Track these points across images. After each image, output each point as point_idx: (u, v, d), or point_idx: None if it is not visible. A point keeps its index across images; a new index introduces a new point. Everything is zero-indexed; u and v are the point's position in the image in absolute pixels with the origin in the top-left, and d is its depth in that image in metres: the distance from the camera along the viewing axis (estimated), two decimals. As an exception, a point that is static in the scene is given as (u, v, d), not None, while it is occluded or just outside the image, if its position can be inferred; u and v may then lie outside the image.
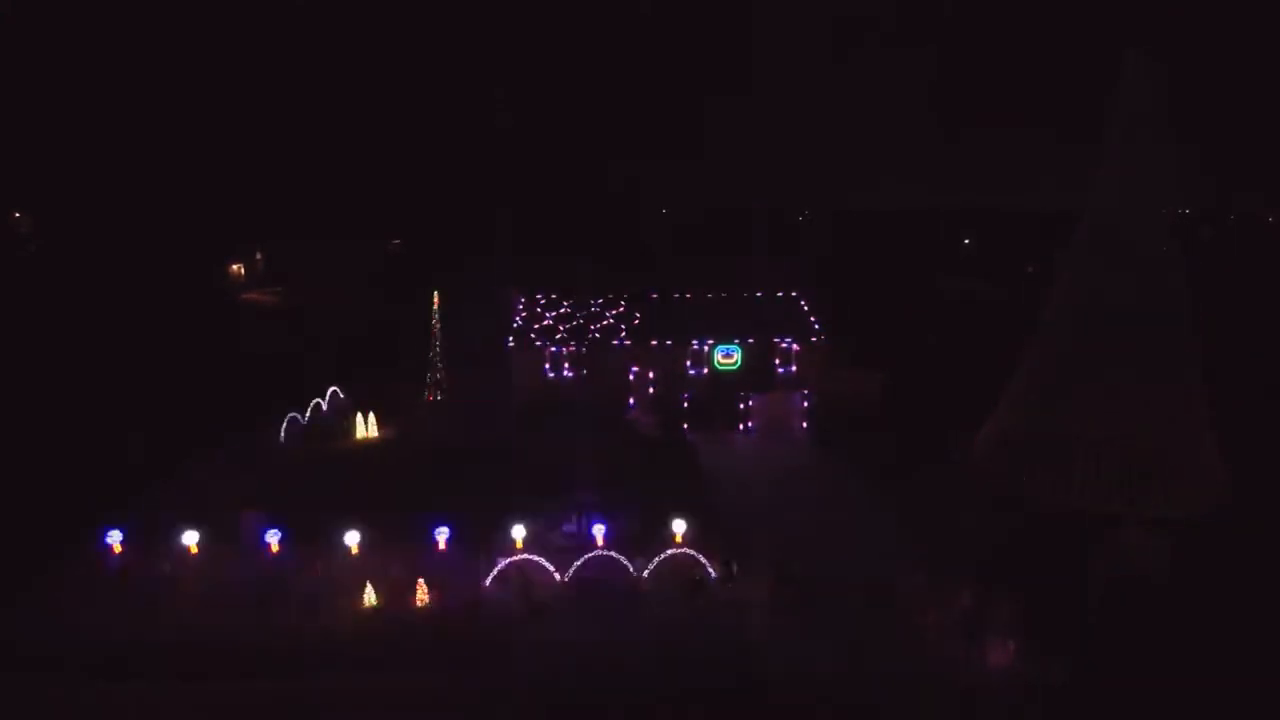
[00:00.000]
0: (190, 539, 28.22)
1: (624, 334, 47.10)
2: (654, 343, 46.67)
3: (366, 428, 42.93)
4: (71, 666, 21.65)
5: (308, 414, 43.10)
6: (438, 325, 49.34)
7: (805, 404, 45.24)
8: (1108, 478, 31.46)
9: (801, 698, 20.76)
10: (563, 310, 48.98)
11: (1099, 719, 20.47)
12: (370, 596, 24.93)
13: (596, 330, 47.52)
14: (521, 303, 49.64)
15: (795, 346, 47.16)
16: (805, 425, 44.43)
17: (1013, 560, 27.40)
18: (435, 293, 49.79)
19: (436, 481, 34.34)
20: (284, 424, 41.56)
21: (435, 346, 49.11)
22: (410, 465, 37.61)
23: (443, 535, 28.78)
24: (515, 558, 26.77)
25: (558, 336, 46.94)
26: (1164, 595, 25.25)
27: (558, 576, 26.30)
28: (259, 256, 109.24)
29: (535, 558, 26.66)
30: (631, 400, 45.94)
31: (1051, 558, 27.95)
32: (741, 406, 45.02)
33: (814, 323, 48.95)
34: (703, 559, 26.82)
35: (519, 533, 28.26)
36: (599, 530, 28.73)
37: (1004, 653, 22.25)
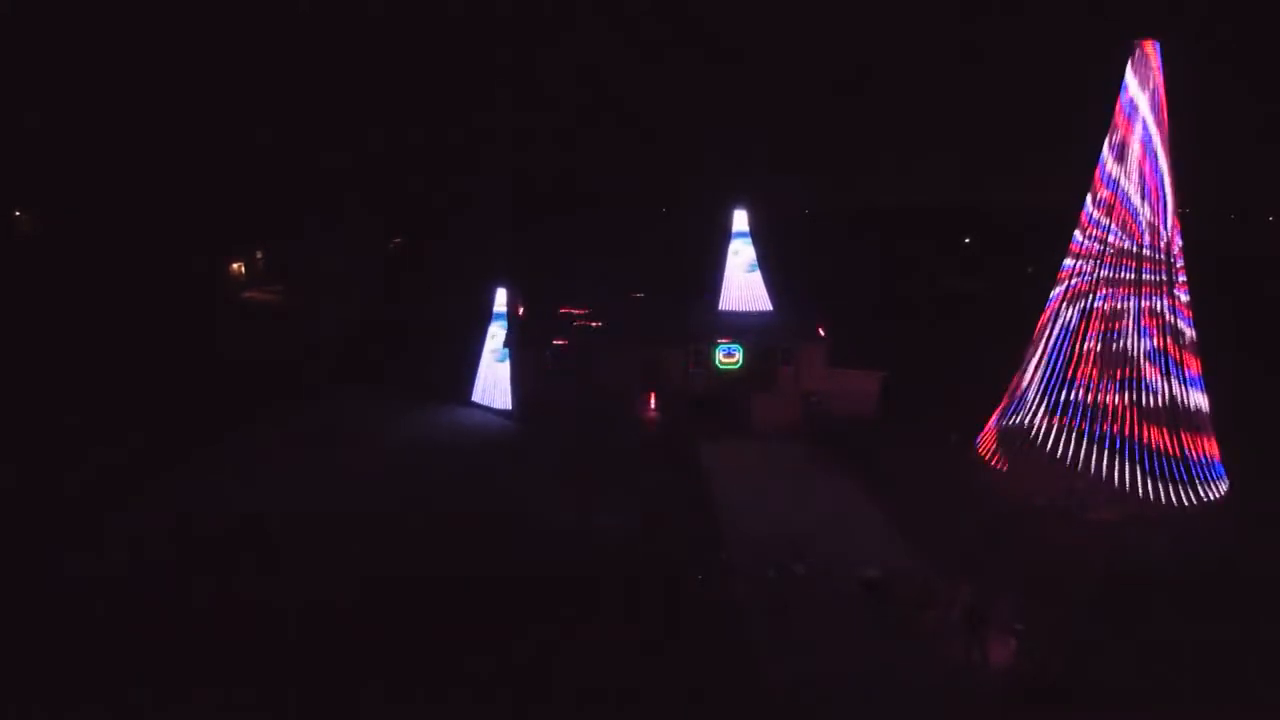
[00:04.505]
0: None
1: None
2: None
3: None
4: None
5: None
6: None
7: (804, 404, 45.25)
8: (1107, 474, 31.62)
9: (800, 697, 20.78)
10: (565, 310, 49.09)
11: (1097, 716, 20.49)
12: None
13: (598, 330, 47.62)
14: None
15: (796, 346, 47.22)
16: (805, 425, 44.38)
17: (1011, 558, 27.45)
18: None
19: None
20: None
21: None
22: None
23: None
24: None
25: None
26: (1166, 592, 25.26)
27: None
28: (259, 255, 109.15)
29: None
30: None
31: (1049, 555, 28.00)
32: (743, 406, 44.98)
33: (814, 323, 49.01)
34: None
35: None
36: None
37: (1003, 650, 22.26)
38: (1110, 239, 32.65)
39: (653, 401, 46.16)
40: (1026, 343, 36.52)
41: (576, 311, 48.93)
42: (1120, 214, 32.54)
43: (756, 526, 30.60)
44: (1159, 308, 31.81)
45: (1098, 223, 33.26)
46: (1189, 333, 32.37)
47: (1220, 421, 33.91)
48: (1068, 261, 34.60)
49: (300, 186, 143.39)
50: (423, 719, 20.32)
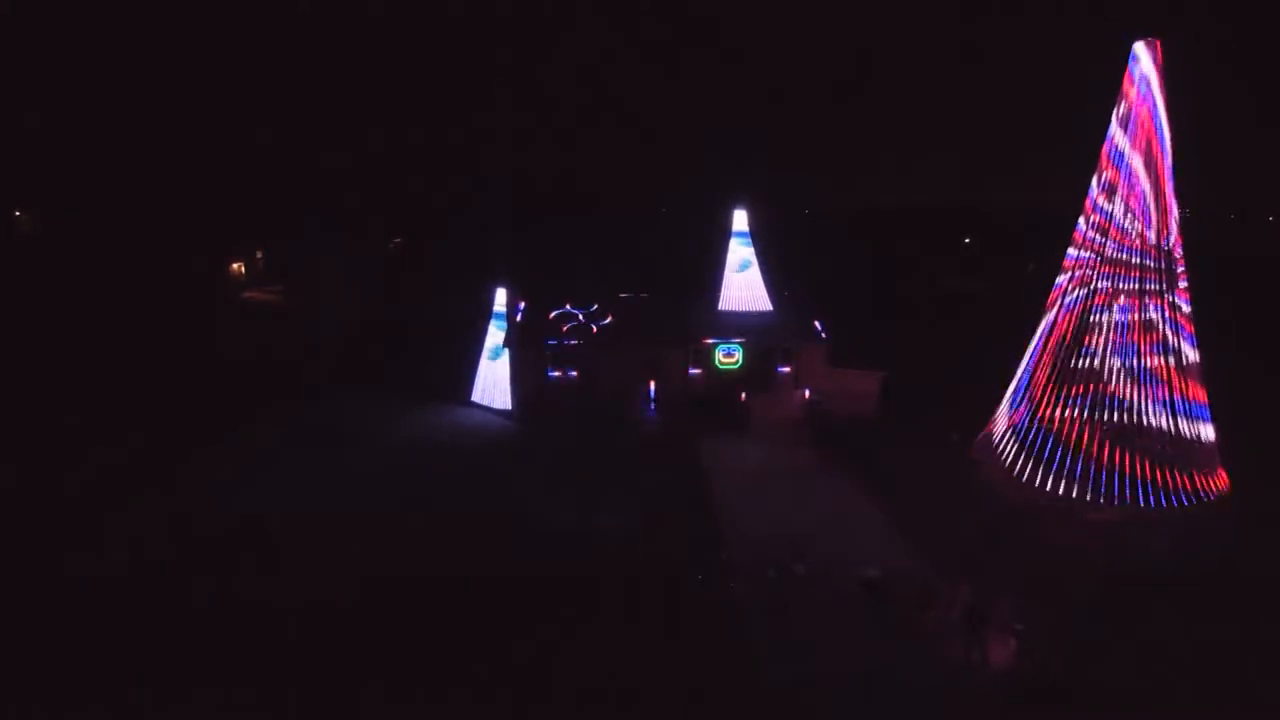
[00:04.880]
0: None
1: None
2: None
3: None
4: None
5: None
6: None
7: (804, 403, 45.22)
8: (1107, 472, 31.64)
9: (800, 697, 20.77)
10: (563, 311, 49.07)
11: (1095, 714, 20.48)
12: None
13: (597, 329, 47.60)
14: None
15: (796, 346, 47.18)
16: (805, 424, 44.35)
17: (1011, 558, 27.45)
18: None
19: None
20: None
21: None
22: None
23: None
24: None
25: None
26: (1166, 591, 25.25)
27: None
28: (259, 255, 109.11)
29: None
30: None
31: (1049, 555, 28.00)
32: (742, 405, 44.95)
33: (814, 322, 48.97)
34: None
35: None
36: None
37: (1003, 649, 22.26)
38: (1109, 248, 33.76)
39: (653, 389, 46.20)
40: (1028, 342, 36.50)
41: (576, 311, 48.90)
42: (1116, 233, 33.43)
43: (756, 526, 30.60)
44: (1161, 289, 33.52)
45: (1093, 239, 34.29)
46: (1185, 308, 34.00)
47: (1221, 422, 33.95)
48: (1060, 278, 35.24)
49: (300, 186, 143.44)
50: (423, 719, 20.34)
